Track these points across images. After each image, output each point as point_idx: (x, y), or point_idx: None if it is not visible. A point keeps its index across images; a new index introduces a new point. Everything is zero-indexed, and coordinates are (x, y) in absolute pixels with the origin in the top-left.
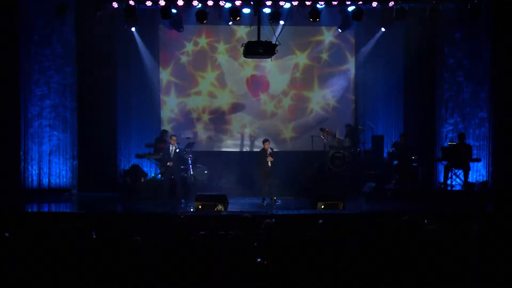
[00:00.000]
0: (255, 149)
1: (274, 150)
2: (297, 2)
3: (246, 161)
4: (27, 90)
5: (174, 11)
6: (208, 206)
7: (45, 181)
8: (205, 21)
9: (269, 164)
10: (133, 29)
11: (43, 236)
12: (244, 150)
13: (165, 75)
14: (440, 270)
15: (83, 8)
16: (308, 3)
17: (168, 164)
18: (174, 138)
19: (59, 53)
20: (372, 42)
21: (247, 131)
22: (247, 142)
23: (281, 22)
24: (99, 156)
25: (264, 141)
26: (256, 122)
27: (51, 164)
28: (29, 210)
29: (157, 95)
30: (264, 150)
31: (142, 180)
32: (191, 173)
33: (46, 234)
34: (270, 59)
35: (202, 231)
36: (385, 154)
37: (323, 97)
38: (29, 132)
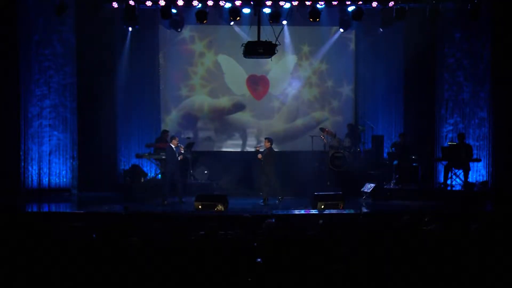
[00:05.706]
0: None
1: (275, 150)
2: (297, 2)
3: (246, 161)
4: (27, 90)
5: (174, 11)
6: (208, 206)
7: (45, 181)
8: (205, 21)
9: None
10: (130, 29)
11: (43, 236)
12: (244, 150)
13: (164, 75)
14: (440, 270)
15: (83, 8)
16: (308, 3)
17: (179, 158)
18: (176, 139)
19: (59, 53)
20: (372, 42)
21: (247, 131)
22: (247, 142)
23: (284, 22)
24: (99, 156)
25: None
26: (256, 122)
27: (51, 164)
28: (29, 210)
29: (157, 95)
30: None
31: (142, 180)
32: (191, 173)
33: (46, 234)
34: (270, 59)
35: (202, 231)
36: (385, 154)
37: (323, 97)
38: (29, 132)
